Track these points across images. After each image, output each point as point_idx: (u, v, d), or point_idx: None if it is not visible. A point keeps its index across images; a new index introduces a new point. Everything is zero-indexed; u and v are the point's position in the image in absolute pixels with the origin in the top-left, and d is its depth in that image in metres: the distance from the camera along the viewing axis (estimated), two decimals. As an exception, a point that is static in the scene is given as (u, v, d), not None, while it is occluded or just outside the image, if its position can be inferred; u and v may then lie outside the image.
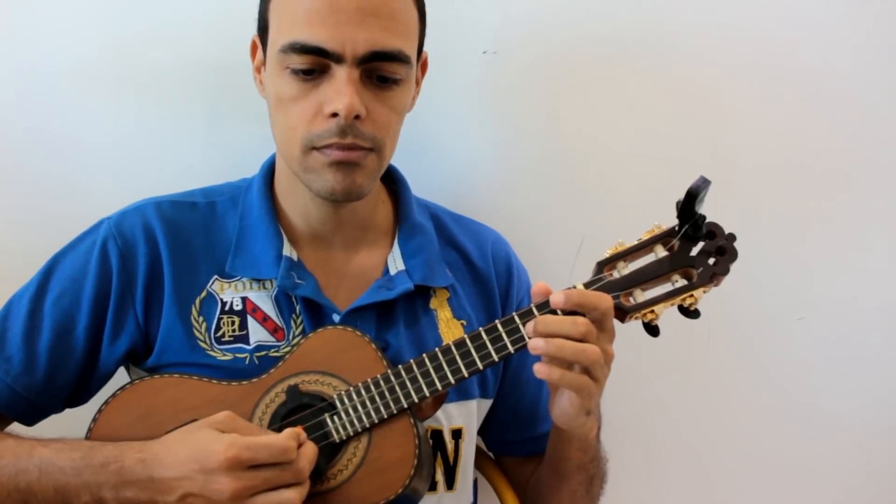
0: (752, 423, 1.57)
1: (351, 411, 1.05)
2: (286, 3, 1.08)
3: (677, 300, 1.02)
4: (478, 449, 1.28)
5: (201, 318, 1.14)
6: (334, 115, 1.06)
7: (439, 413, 1.16)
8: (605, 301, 0.99)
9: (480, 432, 1.30)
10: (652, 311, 1.02)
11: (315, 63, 1.06)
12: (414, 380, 1.05)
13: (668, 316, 1.04)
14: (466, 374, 1.04)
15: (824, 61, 1.49)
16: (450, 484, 1.21)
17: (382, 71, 1.08)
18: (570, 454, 1.15)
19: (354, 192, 1.11)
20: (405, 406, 1.05)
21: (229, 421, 1.00)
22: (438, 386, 1.05)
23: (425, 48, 1.18)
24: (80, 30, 1.36)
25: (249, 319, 1.14)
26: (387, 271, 1.20)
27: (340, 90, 1.05)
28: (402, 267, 1.20)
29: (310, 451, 1.00)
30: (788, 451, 1.58)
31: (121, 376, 1.18)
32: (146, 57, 1.37)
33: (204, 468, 0.96)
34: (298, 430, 1.01)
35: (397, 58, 1.08)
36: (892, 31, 1.50)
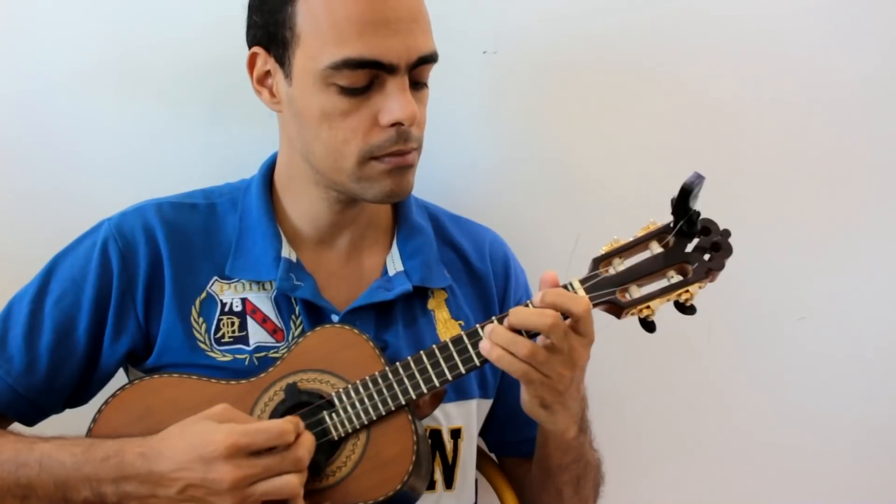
0: (752, 423, 1.56)
1: (349, 408, 1.06)
2: (326, 19, 1.06)
3: (673, 296, 1.02)
4: (479, 449, 1.28)
5: (201, 319, 1.14)
6: (394, 124, 1.07)
7: (438, 413, 1.16)
8: (581, 304, 0.99)
9: (481, 433, 1.30)
10: (648, 307, 1.02)
11: (370, 77, 1.06)
12: (411, 377, 1.05)
13: (667, 316, 1.04)
14: (464, 371, 1.04)
15: (824, 60, 1.50)
16: (448, 483, 1.22)
17: (423, 74, 1.11)
18: (549, 453, 1.15)
19: (407, 191, 1.13)
20: (403, 403, 1.05)
21: (226, 413, 1.01)
22: (436, 383, 1.05)
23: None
24: (81, 30, 1.36)
25: (249, 320, 1.15)
26: (385, 272, 1.21)
27: (400, 100, 1.06)
28: (400, 268, 1.21)
29: (308, 439, 1.01)
30: (789, 450, 1.57)
31: (121, 377, 1.19)
32: (146, 57, 1.37)
33: (203, 458, 0.96)
34: (296, 418, 1.02)
35: (434, 59, 1.10)
36: (893, 30, 1.50)
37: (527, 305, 1.03)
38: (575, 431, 1.10)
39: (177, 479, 0.98)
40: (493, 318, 1.04)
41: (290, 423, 0.99)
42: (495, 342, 1.00)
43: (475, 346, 1.04)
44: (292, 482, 0.98)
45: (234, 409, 1.02)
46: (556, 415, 1.05)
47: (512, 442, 1.31)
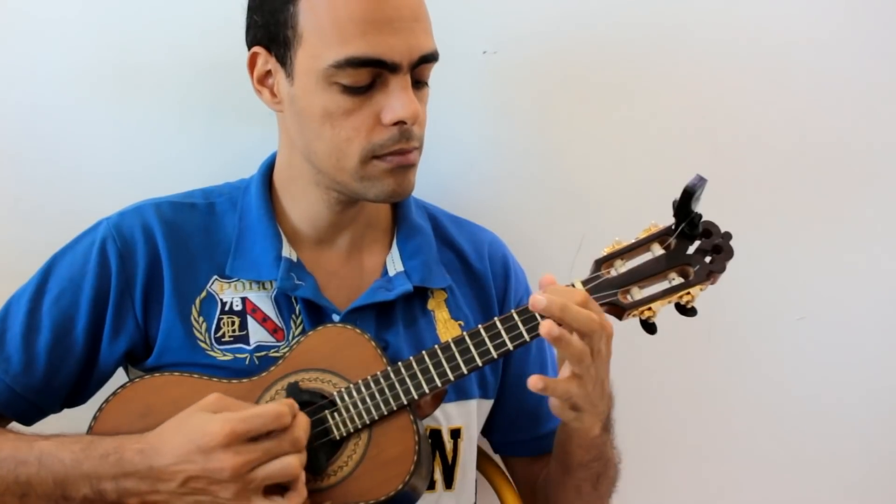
0: (753, 423, 1.57)
1: (351, 408, 1.06)
2: (329, 18, 1.06)
3: (674, 298, 1.03)
4: (479, 449, 1.28)
5: (201, 319, 1.14)
6: (397, 123, 1.07)
7: (438, 413, 1.16)
8: (578, 295, 0.99)
9: (486, 434, 1.30)
10: (649, 309, 1.03)
11: (372, 75, 1.06)
12: (413, 377, 1.05)
13: (667, 316, 1.04)
14: (466, 371, 1.05)
15: (825, 59, 1.50)
16: (448, 483, 1.22)
17: (424, 73, 1.11)
18: (571, 450, 1.14)
19: (409, 190, 1.13)
20: (405, 403, 1.05)
21: (219, 402, 1.01)
22: (438, 383, 1.05)
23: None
24: (80, 30, 1.36)
25: (249, 320, 1.15)
26: (386, 272, 1.21)
27: (402, 99, 1.07)
28: (400, 268, 1.21)
29: (303, 420, 1.02)
30: (789, 450, 1.58)
31: (120, 376, 1.19)
32: (146, 57, 1.37)
33: (202, 449, 0.97)
34: (290, 401, 1.02)
35: (435, 58, 1.11)
36: (893, 31, 1.51)
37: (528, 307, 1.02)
38: (599, 430, 1.09)
39: (177, 473, 0.98)
40: (495, 318, 1.04)
41: (285, 406, 1.00)
42: (565, 351, 0.98)
43: (478, 346, 1.04)
44: (293, 463, 0.99)
45: (226, 397, 1.02)
46: (583, 414, 1.04)
47: (517, 441, 1.31)
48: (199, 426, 0.98)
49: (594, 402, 1.05)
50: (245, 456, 0.97)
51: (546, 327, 0.96)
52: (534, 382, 0.97)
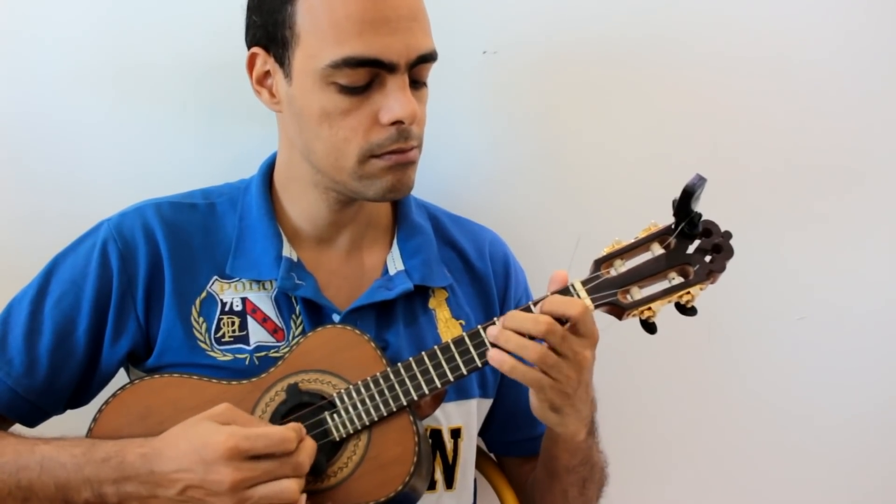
0: (752, 423, 1.57)
1: (350, 409, 1.06)
2: (326, 18, 1.06)
3: (674, 297, 1.03)
4: (478, 449, 1.28)
5: (201, 319, 1.14)
6: (394, 122, 1.07)
7: (438, 412, 1.16)
8: (576, 306, 0.99)
9: (481, 433, 1.30)
10: (649, 309, 1.03)
11: (370, 75, 1.06)
12: (413, 378, 1.05)
13: (667, 316, 1.04)
14: (465, 372, 1.05)
15: (824, 60, 1.50)
16: (449, 483, 1.22)
17: (422, 73, 1.11)
18: (557, 454, 1.15)
19: (408, 187, 1.13)
20: (404, 404, 1.05)
21: (229, 413, 1.01)
22: (438, 384, 1.05)
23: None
24: (80, 30, 1.36)
25: (249, 320, 1.15)
26: (386, 271, 1.21)
27: (401, 99, 1.06)
28: (401, 267, 1.21)
29: (309, 445, 1.01)
30: (789, 450, 1.58)
31: (121, 377, 1.19)
32: (146, 57, 1.37)
33: (204, 459, 0.97)
34: (298, 425, 1.02)
35: (434, 58, 1.11)
36: (893, 29, 1.51)
37: (528, 308, 1.03)
38: (584, 434, 1.10)
39: (177, 480, 0.98)
40: (495, 319, 1.04)
41: (292, 431, 1.00)
42: (505, 347, 1.00)
43: (477, 346, 1.04)
44: (291, 487, 0.98)
45: (236, 409, 1.02)
46: (567, 418, 1.05)
47: (512, 441, 1.32)
48: (204, 436, 0.98)
49: (577, 407, 1.05)
50: (244, 473, 0.97)
51: (494, 358, 1.00)
52: (491, 355, 1.00)
